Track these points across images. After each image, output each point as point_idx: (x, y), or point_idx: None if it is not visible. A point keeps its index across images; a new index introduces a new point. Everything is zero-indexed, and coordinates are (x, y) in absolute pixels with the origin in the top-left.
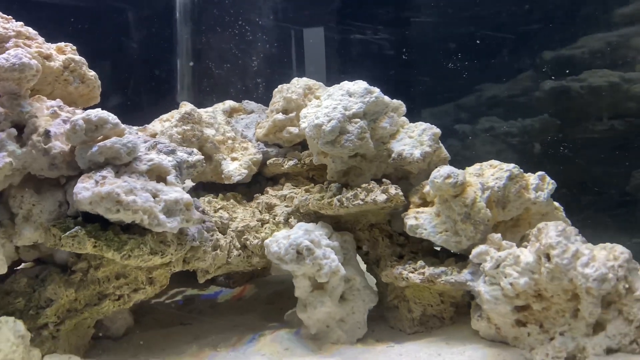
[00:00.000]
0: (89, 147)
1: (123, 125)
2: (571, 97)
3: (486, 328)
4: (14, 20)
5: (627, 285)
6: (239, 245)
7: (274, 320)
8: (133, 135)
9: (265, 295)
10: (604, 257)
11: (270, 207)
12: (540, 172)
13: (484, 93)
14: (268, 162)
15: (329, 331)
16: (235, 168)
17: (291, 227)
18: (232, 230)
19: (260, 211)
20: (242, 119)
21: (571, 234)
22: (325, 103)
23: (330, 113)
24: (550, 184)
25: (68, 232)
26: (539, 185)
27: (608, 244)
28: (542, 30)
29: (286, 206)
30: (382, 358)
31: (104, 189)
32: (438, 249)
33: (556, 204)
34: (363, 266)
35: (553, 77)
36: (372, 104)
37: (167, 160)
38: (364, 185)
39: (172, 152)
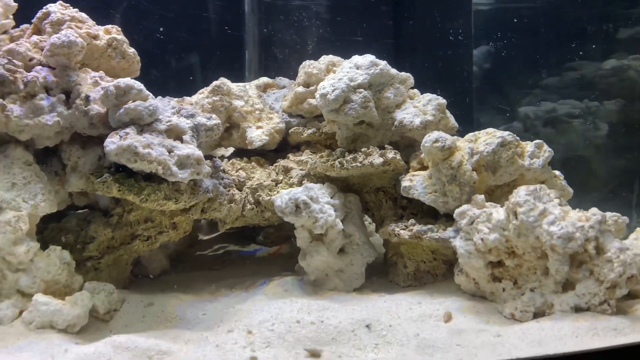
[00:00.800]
0: (118, 109)
1: (147, 92)
2: None
3: (466, 282)
4: (71, 7)
5: (596, 246)
6: (253, 201)
7: (289, 271)
8: (160, 101)
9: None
10: (575, 218)
11: (287, 170)
12: (537, 140)
13: None
14: (290, 130)
15: (327, 279)
16: (257, 135)
17: None
18: (247, 188)
19: (276, 173)
20: (273, 93)
21: (544, 195)
22: (335, 75)
23: (335, 84)
24: (546, 152)
25: (99, 179)
26: (534, 152)
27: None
28: None
29: (301, 169)
30: (368, 304)
31: (125, 142)
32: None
33: (556, 172)
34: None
35: None
36: (376, 76)
37: (184, 122)
38: (363, 149)
39: (191, 116)
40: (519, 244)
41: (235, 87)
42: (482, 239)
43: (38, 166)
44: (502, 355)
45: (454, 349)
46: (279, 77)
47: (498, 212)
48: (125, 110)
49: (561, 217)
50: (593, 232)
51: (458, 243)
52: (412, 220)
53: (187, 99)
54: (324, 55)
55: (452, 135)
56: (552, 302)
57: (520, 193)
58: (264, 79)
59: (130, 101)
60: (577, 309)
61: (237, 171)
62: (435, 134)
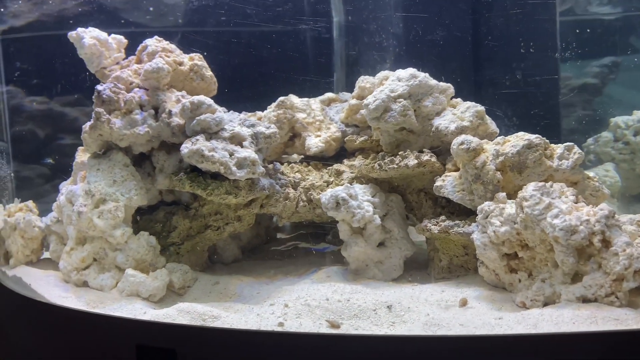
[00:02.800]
0: (192, 120)
1: (216, 106)
2: None
3: (487, 274)
4: (163, 40)
5: (602, 239)
6: (305, 199)
7: (341, 263)
8: (229, 114)
9: None
10: (583, 213)
11: (339, 173)
12: (568, 143)
13: None
14: (345, 139)
15: (367, 269)
16: (314, 142)
17: None
18: (301, 187)
19: (329, 175)
20: (335, 106)
21: (553, 191)
22: (380, 88)
23: (377, 95)
24: (576, 154)
25: (176, 177)
26: (563, 154)
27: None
28: None
29: (351, 172)
30: (397, 290)
31: (195, 147)
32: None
33: (591, 173)
34: None
35: None
36: (415, 87)
37: (245, 131)
38: (400, 153)
39: (252, 125)
40: (528, 236)
41: (299, 101)
42: (494, 232)
43: (134, 168)
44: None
45: (455, 327)
46: (342, 92)
47: (510, 207)
48: (197, 121)
49: (568, 212)
50: (599, 226)
51: (475, 236)
52: (442, 217)
53: (258, 113)
54: (400, 70)
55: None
56: (560, 292)
57: (529, 188)
58: (329, 94)
59: (202, 114)
60: (584, 300)
61: (294, 173)
62: (462, 137)
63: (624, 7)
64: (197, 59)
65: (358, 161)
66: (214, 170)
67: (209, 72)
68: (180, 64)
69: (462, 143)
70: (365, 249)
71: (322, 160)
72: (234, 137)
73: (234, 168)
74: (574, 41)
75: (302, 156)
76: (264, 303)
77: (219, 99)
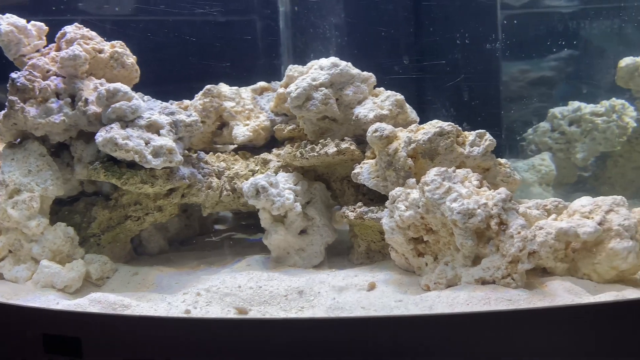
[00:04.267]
0: (107, 108)
1: (133, 94)
2: None
3: (398, 258)
4: (83, 27)
5: (499, 222)
6: (229, 188)
7: (268, 252)
8: (150, 102)
9: None
10: (482, 197)
11: (265, 162)
12: (480, 130)
13: None
14: (274, 128)
15: (288, 257)
16: (241, 131)
17: None
18: (225, 177)
19: (256, 164)
20: (267, 95)
21: (455, 176)
22: (302, 77)
23: (299, 83)
24: (487, 141)
25: (92, 166)
26: (474, 141)
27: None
28: None
29: (278, 161)
30: (313, 276)
31: (108, 135)
32: None
33: (503, 160)
34: None
35: None
36: (336, 75)
37: (163, 119)
38: (321, 141)
39: (171, 113)
40: (431, 220)
41: (228, 90)
42: (399, 216)
43: (51, 157)
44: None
45: (356, 310)
46: (274, 82)
47: (414, 192)
48: (112, 109)
49: (467, 196)
50: (496, 209)
51: (384, 220)
52: (359, 203)
53: (185, 101)
54: (323, 59)
55: None
56: (461, 275)
57: (431, 173)
58: (261, 83)
59: (118, 102)
60: (483, 282)
61: (219, 162)
62: (376, 125)
63: (581, 0)
64: (118, 47)
65: (283, 150)
66: (129, 159)
67: (130, 60)
68: (100, 51)
69: (375, 130)
70: (285, 236)
71: (253, 149)
72: (151, 125)
73: (149, 156)
74: (531, 34)
75: (236, 146)
76: (178, 292)
77: (161, 89)
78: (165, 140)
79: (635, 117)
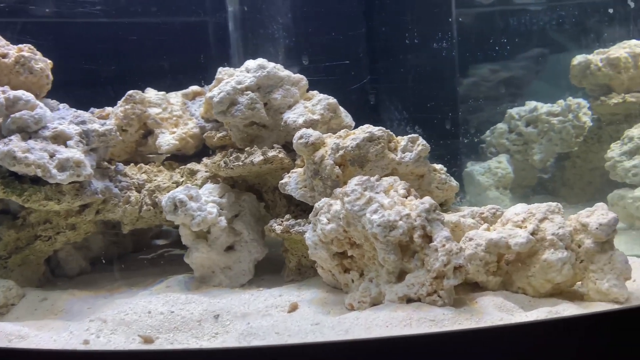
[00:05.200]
0: (7, 118)
1: (37, 102)
2: None
3: (325, 275)
4: None
5: (423, 235)
6: (150, 202)
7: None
8: (63, 110)
9: None
10: (406, 207)
11: (192, 173)
12: (413, 135)
13: None
14: (204, 135)
15: (213, 276)
16: (166, 140)
17: None
18: (145, 190)
19: (181, 175)
20: (200, 100)
21: (377, 185)
22: (226, 80)
23: (222, 87)
24: (420, 146)
25: None
26: (406, 146)
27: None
28: None
29: (206, 171)
30: (234, 297)
31: (5, 148)
32: None
33: (438, 166)
34: None
35: None
36: (264, 78)
37: (72, 128)
38: (247, 149)
39: (82, 122)
40: (353, 233)
41: (154, 95)
42: (321, 230)
43: None
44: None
45: (270, 336)
46: (208, 85)
47: (337, 203)
48: (12, 119)
49: (389, 206)
50: (420, 220)
51: (307, 235)
52: (287, 216)
53: (107, 109)
54: (250, 60)
55: None
56: (384, 292)
57: (352, 182)
58: (193, 88)
59: (20, 111)
60: (408, 300)
61: (140, 174)
62: (301, 131)
63: None
64: (25, 50)
65: (211, 159)
66: (31, 174)
67: (39, 65)
68: (4, 55)
69: (301, 137)
70: (209, 254)
71: (183, 158)
72: (58, 136)
73: (54, 171)
74: (501, 33)
75: (169, 155)
76: (85, 319)
77: (99, 95)
78: (73, 152)
79: (591, 116)
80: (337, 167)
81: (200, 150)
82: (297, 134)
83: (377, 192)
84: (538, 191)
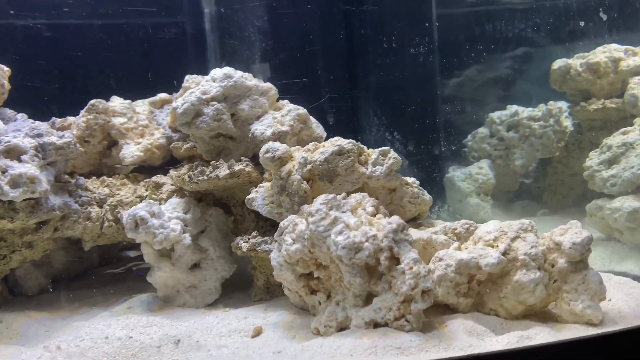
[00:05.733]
0: None
1: None
2: None
3: (292, 296)
4: None
5: (390, 256)
6: (112, 218)
7: None
8: (15, 123)
9: None
10: (373, 228)
11: (158, 186)
12: (384, 147)
13: None
14: (170, 146)
15: (177, 295)
16: (130, 151)
17: None
18: (107, 205)
19: (146, 189)
20: (168, 109)
21: (344, 204)
22: (191, 90)
23: (187, 97)
24: (391, 159)
25: None
26: (377, 159)
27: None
28: None
29: (172, 185)
30: (197, 319)
31: None
32: None
33: (410, 179)
34: None
35: None
36: (230, 88)
37: (26, 142)
38: (212, 163)
39: (38, 135)
40: (318, 254)
41: (119, 104)
42: (286, 250)
43: None
44: None
45: None
46: (176, 93)
47: (302, 223)
48: None
49: (355, 227)
50: (387, 241)
51: (272, 255)
52: (254, 233)
53: (69, 118)
54: (216, 69)
55: None
56: (351, 316)
57: (316, 202)
58: (161, 95)
59: None
60: (376, 324)
61: (102, 188)
62: (267, 145)
63: None
64: None
65: (176, 172)
66: None
67: None
68: None
69: (267, 151)
70: (172, 273)
71: (150, 170)
72: (11, 151)
73: (5, 187)
74: (484, 31)
75: (135, 165)
76: (40, 345)
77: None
78: (27, 167)
79: (572, 121)
80: (305, 182)
81: (168, 160)
82: (263, 148)
83: (343, 211)
84: (520, 196)
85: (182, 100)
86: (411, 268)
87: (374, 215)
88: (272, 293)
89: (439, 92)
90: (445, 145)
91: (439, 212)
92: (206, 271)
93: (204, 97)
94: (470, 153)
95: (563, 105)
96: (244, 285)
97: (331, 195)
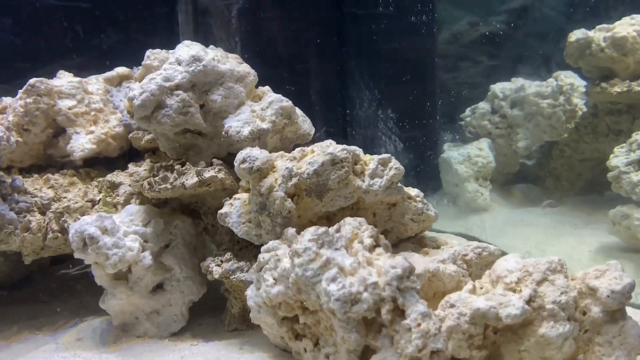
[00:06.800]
0: None
1: None
2: None
3: (272, 335)
4: None
5: (393, 309)
6: (57, 228)
7: None
8: None
9: None
10: (373, 271)
11: (113, 187)
12: (384, 155)
13: None
14: (129, 135)
15: (136, 323)
16: (79, 143)
17: None
18: (51, 212)
19: (99, 189)
20: (127, 87)
21: (338, 239)
22: (150, 75)
23: (146, 85)
24: (392, 170)
25: None
26: (375, 170)
27: (401, 256)
28: None
29: (130, 185)
30: (164, 355)
31: None
32: None
33: (414, 192)
34: None
35: None
36: (199, 74)
37: None
38: (177, 167)
39: None
40: (306, 300)
41: (66, 83)
42: (266, 292)
43: None
44: None
45: None
46: (137, 67)
47: (285, 259)
48: None
49: (351, 270)
50: (389, 290)
51: (249, 293)
52: (227, 255)
53: (5, 100)
54: (185, 41)
55: (308, 143)
56: None
57: (305, 236)
58: (119, 70)
59: None
60: None
61: (47, 189)
62: (244, 153)
63: None
64: None
65: (132, 168)
66: None
67: None
68: None
69: (243, 161)
70: (130, 299)
71: (106, 162)
72: None
73: None
74: None
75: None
76: None
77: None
78: None
79: (585, 100)
80: (290, 199)
81: (126, 150)
82: (239, 156)
83: (336, 249)
84: (519, 179)
85: (139, 88)
86: (419, 325)
87: (374, 248)
88: (248, 322)
89: (437, 60)
90: (439, 119)
91: (433, 198)
92: (171, 294)
93: (167, 84)
94: (467, 128)
95: (574, 80)
96: (216, 308)
97: (322, 229)
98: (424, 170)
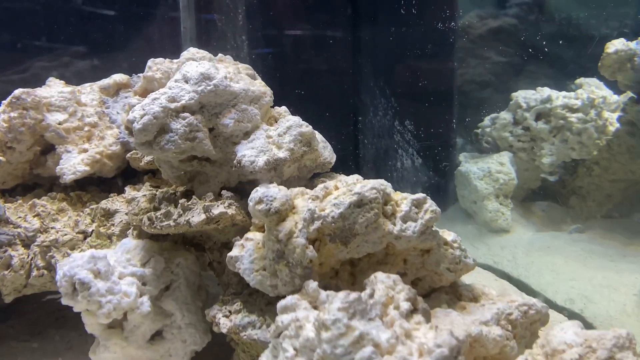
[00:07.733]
0: None
1: None
2: None
3: None
4: None
5: None
6: (43, 264)
7: None
8: None
9: None
10: (410, 350)
11: (108, 215)
12: (418, 195)
13: None
14: (127, 155)
15: None
16: (70, 165)
17: None
18: (36, 245)
19: (92, 218)
20: (125, 97)
21: (373, 307)
22: (153, 95)
23: (147, 106)
24: (427, 213)
25: None
26: (409, 213)
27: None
28: None
29: (126, 213)
30: None
31: None
32: None
33: (450, 236)
34: None
35: None
36: (210, 94)
37: None
38: (182, 202)
39: None
40: None
41: (56, 94)
42: None
43: None
44: None
45: None
46: (138, 75)
47: (308, 327)
48: None
49: (389, 348)
50: None
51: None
52: (237, 305)
53: None
54: (190, 48)
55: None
56: None
57: (333, 305)
58: (117, 77)
59: None
60: None
61: (33, 217)
62: (260, 192)
63: None
64: None
65: (142, 192)
66: None
67: None
68: None
69: (259, 201)
70: (125, 350)
71: (100, 183)
72: None
73: None
74: None
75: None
76: None
77: None
78: None
79: (619, 116)
80: (311, 245)
81: (124, 169)
82: (255, 195)
83: (370, 319)
84: (539, 196)
85: (140, 110)
86: None
87: (411, 314)
88: None
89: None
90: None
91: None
92: (171, 343)
93: (172, 106)
94: (484, 138)
95: (607, 93)
96: (222, 356)
97: (353, 296)
98: (439, 182)
